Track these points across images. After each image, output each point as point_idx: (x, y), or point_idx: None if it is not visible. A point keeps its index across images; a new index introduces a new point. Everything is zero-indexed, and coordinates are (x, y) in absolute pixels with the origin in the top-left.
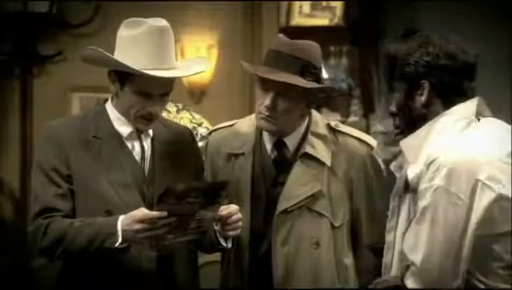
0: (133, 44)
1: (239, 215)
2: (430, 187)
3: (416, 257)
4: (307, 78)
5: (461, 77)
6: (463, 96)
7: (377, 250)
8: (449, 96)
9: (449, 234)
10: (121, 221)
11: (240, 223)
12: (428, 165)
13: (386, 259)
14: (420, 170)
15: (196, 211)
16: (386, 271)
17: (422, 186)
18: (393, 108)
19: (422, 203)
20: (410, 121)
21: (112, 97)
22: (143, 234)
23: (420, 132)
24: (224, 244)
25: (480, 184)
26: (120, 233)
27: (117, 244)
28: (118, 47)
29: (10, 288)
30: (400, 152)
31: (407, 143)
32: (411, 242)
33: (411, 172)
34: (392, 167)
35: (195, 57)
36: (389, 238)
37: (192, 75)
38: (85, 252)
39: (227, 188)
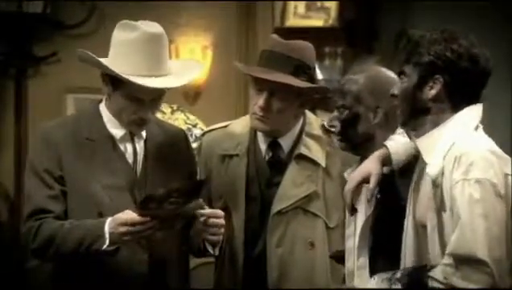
0: (125, 49)
1: (222, 221)
2: (468, 179)
3: (481, 252)
4: (301, 78)
5: (476, 83)
6: (471, 101)
7: (340, 258)
8: (458, 98)
9: (502, 227)
10: (108, 223)
11: (222, 230)
12: (458, 159)
13: (348, 265)
14: (440, 166)
15: (179, 211)
16: (349, 277)
17: (455, 178)
18: (395, 91)
19: (464, 195)
20: (412, 110)
21: (106, 98)
22: (129, 237)
23: (434, 133)
24: (211, 251)
25: (510, 177)
26: (107, 235)
27: (104, 246)
28: (112, 49)
29: (5, 288)
30: (356, 162)
31: (423, 144)
32: (460, 236)
33: (433, 170)
34: (346, 174)
35: (188, 59)
36: (349, 244)
37: (182, 85)
38: (75, 254)
39: (206, 186)
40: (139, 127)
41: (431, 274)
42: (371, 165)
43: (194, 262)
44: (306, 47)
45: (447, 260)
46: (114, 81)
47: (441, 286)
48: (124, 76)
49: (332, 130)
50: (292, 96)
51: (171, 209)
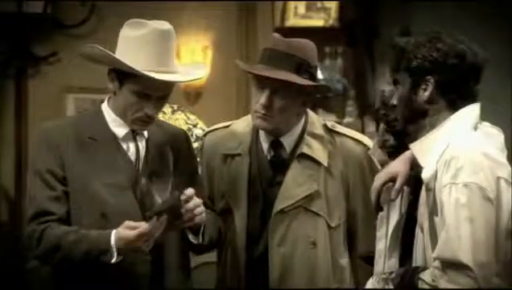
0: (135, 45)
1: (192, 204)
2: (456, 183)
3: (464, 257)
4: (303, 76)
5: (467, 79)
6: (466, 98)
7: (370, 259)
8: (453, 95)
9: (490, 231)
10: (115, 240)
11: (199, 209)
12: (448, 163)
13: (377, 268)
14: (434, 170)
15: (178, 194)
16: None
17: (443, 182)
18: (394, 101)
19: (451, 199)
20: (411, 115)
21: (108, 99)
22: (147, 245)
23: (429, 136)
24: (193, 240)
25: (502, 181)
26: (114, 249)
27: (113, 260)
28: (120, 46)
29: (5, 288)
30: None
31: (417, 148)
32: (446, 239)
33: (426, 173)
34: None
35: (192, 63)
36: (379, 246)
37: (191, 80)
38: (81, 264)
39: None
40: (144, 124)
41: (421, 276)
42: (399, 165)
43: (195, 261)
44: (308, 45)
45: (435, 263)
46: (122, 77)
47: (429, 287)
48: (137, 68)
49: (389, 143)
50: (294, 94)
51: (173, 196)
